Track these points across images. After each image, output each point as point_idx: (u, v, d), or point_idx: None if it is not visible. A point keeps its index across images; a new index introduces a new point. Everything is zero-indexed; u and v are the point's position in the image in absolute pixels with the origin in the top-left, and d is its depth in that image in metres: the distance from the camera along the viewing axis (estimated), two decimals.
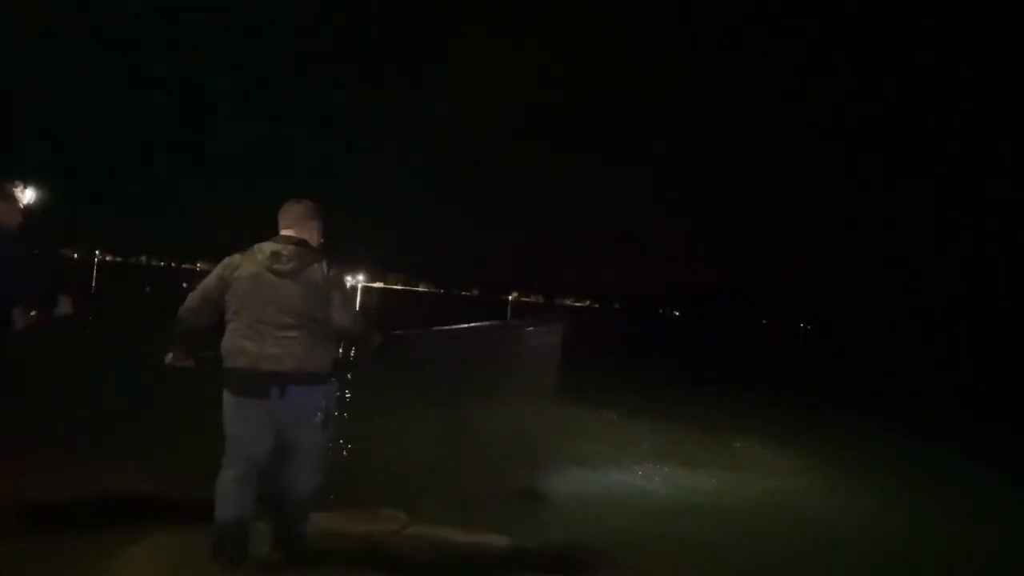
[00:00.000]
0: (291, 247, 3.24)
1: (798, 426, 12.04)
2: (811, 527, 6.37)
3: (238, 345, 3.17)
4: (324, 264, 3.27)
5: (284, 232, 3.34)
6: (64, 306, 3.32)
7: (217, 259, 3.37)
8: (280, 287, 3.17)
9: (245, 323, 3.17)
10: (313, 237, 3.39)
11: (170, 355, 3.37)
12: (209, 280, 3.29)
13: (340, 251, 3.59)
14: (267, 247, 3.25)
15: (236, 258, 3.27)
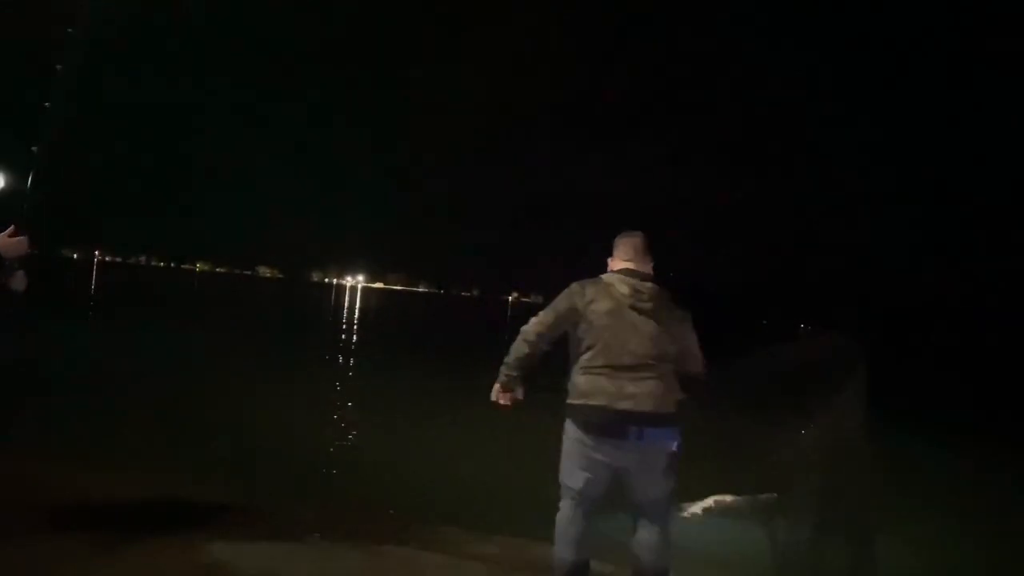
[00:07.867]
0: (649, 284, 3.14)
1: None
2: None
3: (595, 383, 3.02)
4: (678, 303, 3.16)
5: (626, 265, 3.20)
6: (19, 246, 3.14)
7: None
8: (641, 325, 3.05)
9: (602, 360, 3.03)
10: (650, 271, 3.26)
11: (497, 387, 3.19)
12: (560, 306, 3.13)
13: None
14: (623, 282, 3.13)
15: (589, 289, 3.12)
